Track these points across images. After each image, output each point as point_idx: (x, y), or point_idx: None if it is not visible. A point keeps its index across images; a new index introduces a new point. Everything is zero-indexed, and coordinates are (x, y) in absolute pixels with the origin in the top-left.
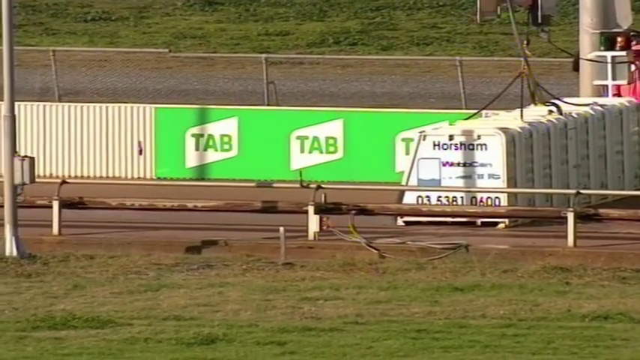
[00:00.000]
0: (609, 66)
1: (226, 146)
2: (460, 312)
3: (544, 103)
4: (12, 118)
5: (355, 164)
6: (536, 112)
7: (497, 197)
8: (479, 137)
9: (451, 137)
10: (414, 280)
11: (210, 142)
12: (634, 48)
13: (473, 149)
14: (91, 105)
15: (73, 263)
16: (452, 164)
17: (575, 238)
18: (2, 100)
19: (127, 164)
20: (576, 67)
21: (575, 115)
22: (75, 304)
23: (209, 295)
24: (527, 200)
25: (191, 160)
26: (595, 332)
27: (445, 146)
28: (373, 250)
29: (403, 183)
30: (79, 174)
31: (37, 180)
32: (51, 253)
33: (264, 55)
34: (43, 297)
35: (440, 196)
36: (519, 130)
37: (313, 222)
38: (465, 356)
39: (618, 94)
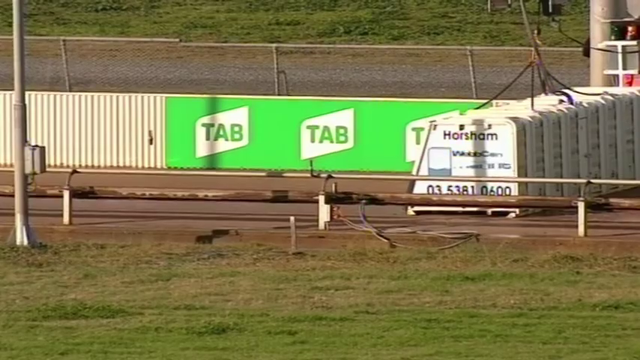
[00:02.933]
0: (620, 55)
1: (237, 136)
2: (471, 301)
3: (555, 92)
4: (22, 108)
5: (366, 154)
6: (547, 102)
7: (507, 187)
8: (489, 127)
9: (462, 127)
10: (425, 270)
11: (221, 132)
12: None
13: (483, 139)
14: (102, 94)
15: (83, 252)
16: (462, 154)
17: (586, 227)
18: (13, 90)
19: (138, 154)
20: (587, 53)
21: (586, 105)
22: (86, 294)
23: (220, 284)
24: (537, 190)
25: (202, 149)
26: (606, 322)
27: (456, 136)
28: (384, 240)
29: (414, 172)
30: (89, 163)
31: (47, 169)
32: (62, 243)
33: (274, 45)
34: (54, 286)
35: (450, 186)
36: (530, 119)
37: (324, 211)
38: (476, 346)
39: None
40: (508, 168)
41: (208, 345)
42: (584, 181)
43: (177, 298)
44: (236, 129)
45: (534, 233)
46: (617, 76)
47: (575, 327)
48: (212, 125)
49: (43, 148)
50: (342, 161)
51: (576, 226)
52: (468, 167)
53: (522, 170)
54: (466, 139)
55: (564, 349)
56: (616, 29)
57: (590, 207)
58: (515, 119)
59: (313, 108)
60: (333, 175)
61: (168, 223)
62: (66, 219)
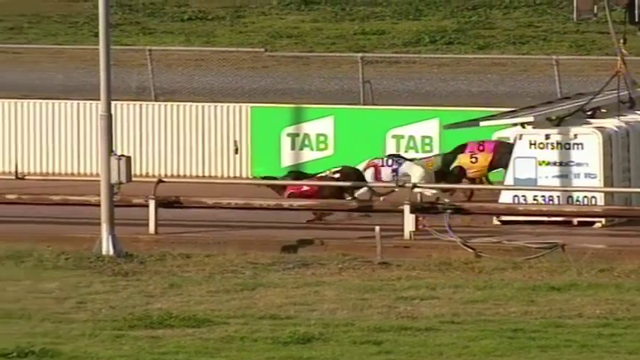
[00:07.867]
0: None
1: (322, 145)
2: (556, 311)
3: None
4: (108, 118)
5: None
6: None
7: (593, 196)
8: (575, 136)
9: (547, 136)
10: (510, 280)
11: (306, 142)
12: None
13: (569, 148)
14: (187, 104)
15: (169, 262)
16: (548, 163)
17: None
18: (99, 100)
19: (223, 163)
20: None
21: None
22: (171, 303)
23: (305, 294)
24: (623, 199)
25: (287, 159)
26: None
27: (541, 145)
28: (469, 250)
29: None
30: (175, 173)
31: (133, 179)
32: (147, 252)
33: (360, 55)
34: (139, 296)
35: (536, 196)
36: (616, 129)
37: (409, 221)
38: (562, 356)
39: None
40: (594, 178)
41: (293, 355)
42: None
43: (262, 307)
44: (321, 138)
45: (620, 243)
46: None
47: None
48: (297, 135)
49: (128, 158)
50: None
51: None
52: (553, 177)
53: (608, 180)
54: (552, 148)
55: None
56: None
57: None
58: (601, 129)
59: (398, 117)
60: (418, 185)
61: (253, 232)
62: (151, 228)
